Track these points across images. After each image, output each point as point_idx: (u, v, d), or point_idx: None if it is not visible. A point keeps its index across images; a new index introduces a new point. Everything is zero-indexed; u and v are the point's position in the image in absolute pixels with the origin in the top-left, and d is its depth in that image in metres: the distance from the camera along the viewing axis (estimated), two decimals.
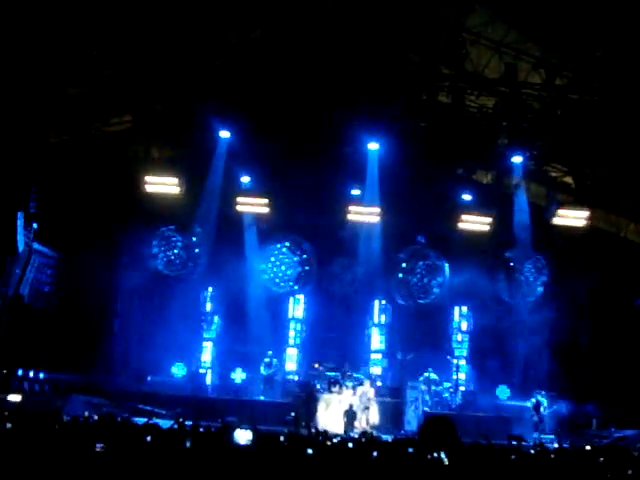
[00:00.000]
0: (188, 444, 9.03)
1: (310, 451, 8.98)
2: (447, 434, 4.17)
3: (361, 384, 23.44)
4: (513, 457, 8.89)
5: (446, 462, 4.16)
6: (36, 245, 22.95)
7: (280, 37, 21.29)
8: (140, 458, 7.37)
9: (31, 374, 22.15)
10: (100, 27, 19.25)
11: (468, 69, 21.60)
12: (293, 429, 17.18)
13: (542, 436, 21.72)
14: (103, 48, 20.34)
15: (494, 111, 22.20)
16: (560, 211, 23.56)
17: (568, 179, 24.89)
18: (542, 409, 23.23)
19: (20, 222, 21.61)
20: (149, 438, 8.62)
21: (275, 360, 24.80)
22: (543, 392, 23.77)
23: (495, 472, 5.84)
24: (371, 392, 23.16)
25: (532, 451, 13.02)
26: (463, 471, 4.32)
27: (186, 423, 13.01)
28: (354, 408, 22.26)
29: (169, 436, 9.67)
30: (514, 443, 13.45)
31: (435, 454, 4.20)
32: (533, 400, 23.49)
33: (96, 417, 14.42)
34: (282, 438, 10.96)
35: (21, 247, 21.95)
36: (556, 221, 23.69)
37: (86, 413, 16.35)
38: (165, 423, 13.16)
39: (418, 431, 4.26)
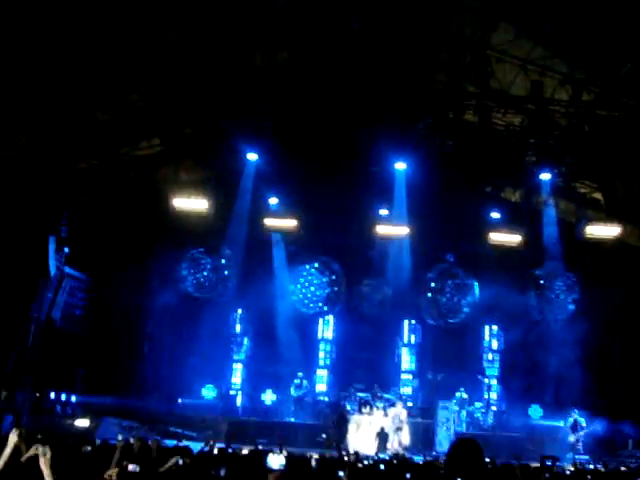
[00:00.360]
0: (223, 472, 9.02)
1: (341, 473, 8.94)
2: (474, 457, 4.11)
3: (393, 405, 23.30)
4: (547, 476, 8.78)
5: None
6: (67, 269, 23.18)
7: (306, 58, 21.45)
8: None
9: (63, 397, 22.33)
10: (128, 52, 19.51)
11: (494, 87, 21.56)
12: (324, 451, 17.11)
13: (577, 457, 21.41)
14: (131, 73, 20.60)
15: (521, 128, 22.14)
16: (590, 227, 23.29)
17: (597, 195, 24.69)
18: (579, 429, 22.89)
19: (52, 246, 21.86)
20: (181, 461, 8.64)
21: (305, 381, 24.77)
22: (577, 411, 23.44)
23: None
24: (404, 414, 22.98)
25: (567, 472, 12.84)
26: None
27: (217, 446, 13.03)
28: (386, 430, 22.13)
29: (201, 459, 9.69)
30: (548, 463, 13.26)
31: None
32: (571, 420, 23.15)
33: (129, 439, 14.47)
34: (313, 462, 10.92)
35: (53, 271, 22.18)
36: (586, 237, 23.43)
37: (119, 437, 16.43)
38: (196, 446, 13.18)
39: (446, 454, 4.21)
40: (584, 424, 23.06)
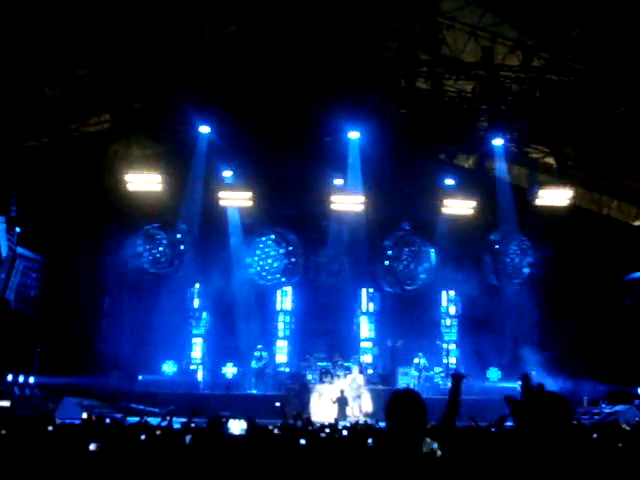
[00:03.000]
0: (188, 439, 9.00)
1: (303, 441, 8.99)
2: (411, 408, 4.06)
3: (350, 372, 23.50)
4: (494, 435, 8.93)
5: (439, 453, 4.11)
6: (20, 249, 22.81)
7: (255, 30, 21.22)
8: (134, 457, 7.36)
9: (21, 379, 22.08)
10: (74, 26, 19.10)
11: (445, 54, 21.61)
12: (282, 421, 17.17)
13: None
14: (78, 48, 20.19)
15: (473, 95, 22.24)
16: (542, 192, 23.64)
17: (549, 160, 24.97)
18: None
19: (2, 227, 21.48)
20: (143, 437, 8.61)
21: (265, 353, 24.82)
22: (533, 372, 23.85)
23: (483, 454, 5.82)
24: (360, 379, 23.20)
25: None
26: (454, 455, 4.28)
27: (176, 420, 13.00)
28: (344, 395, 22.29)
29: (163, 434, 9.67)
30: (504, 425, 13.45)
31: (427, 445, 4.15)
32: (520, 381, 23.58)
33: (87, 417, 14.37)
34: (276, 430, 10.96)
35: (4, 252, 21.81)
36: (539, 202, 23.76)
37: (84, 415, 16.33)
38: (155, 421, 13.15)
39: (385, 407, 4.12)
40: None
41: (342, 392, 22.35)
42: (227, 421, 10.47)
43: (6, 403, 18.90)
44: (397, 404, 4.05)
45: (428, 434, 4.12)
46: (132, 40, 20.20)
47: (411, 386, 23.88)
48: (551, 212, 24.00)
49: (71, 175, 23.72)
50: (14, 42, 18.70)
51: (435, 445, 4.13)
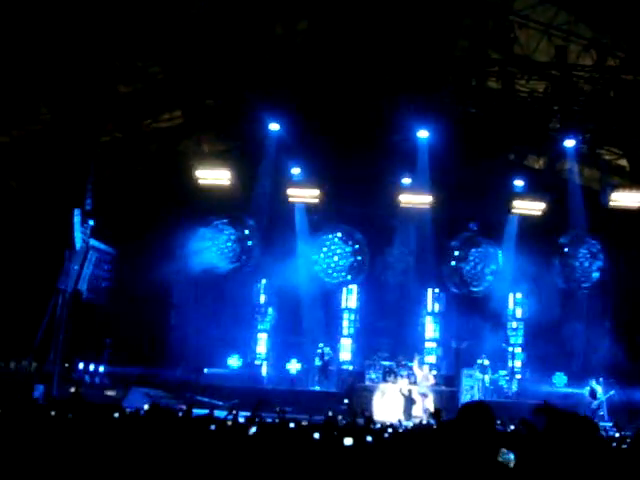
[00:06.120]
0: (252, 430, 9.11)
1: (370, 439, 9.04)
2: (483, 421, 4.10)
3: (422, 369, 23.37)
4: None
5: (512, 465, 4.11)
6: (93, 241, 23.38)
7: (326, 27, 21.32)
8: (203, 448, 7.50)
9: (91, 367, 22.68)
10: (147, 24, 19.50)
11: (517, 53, 21.37)
12: (349, 418, 17.22)
13: (601, 423, 21.41)
14: (151, 45, 20.60)
15: (545, 95, 21.93)
16: (614, 194, 23.14)
17: (622, 162, 24.46)
18: (598, 395, 22.88)
19: (77, 219, 22.03)
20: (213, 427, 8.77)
21: (327, 349, 24.93)
22: (601, 379, 23.41)
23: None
24: (431, 378, 23.08)
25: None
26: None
27: (241, 414, 13.18)
28: (412, 395, 22.23)
29: (231, 426, 9.83)
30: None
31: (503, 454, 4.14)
32: (588, 388, 23.18)
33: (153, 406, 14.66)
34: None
35: (79, 244, 22.38)
36: (611, 204, 23.27)
37: (145, 405, 16.66)
38: (223, 414, 13.35)
39: (456, 418, 4.21)
40: (600, 392, 23.02)
41: (410, 391, 22.29)
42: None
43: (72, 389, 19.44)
44: (468, 410, 4.10)
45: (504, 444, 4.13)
46: (204, 38, 20.51)
47: (475, 388, 23.73)
48: (623, 215, 23.51)
49: (143, 170, 24.24)
50: (89, 39, 19.18)
51: (512, 455, 4.12)
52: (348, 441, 8.29)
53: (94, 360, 23.04)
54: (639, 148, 23.22)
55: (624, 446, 9.74)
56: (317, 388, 24.36)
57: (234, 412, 13.53)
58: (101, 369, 23.08)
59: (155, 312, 24.94)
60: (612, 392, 23.07)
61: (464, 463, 3.94)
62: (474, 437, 4.01)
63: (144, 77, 21.97)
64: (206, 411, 13.79)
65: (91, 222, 22.88)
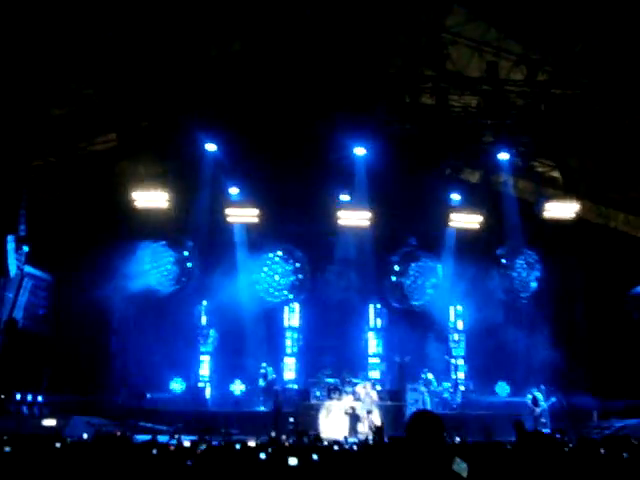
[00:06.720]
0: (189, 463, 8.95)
1: (315, 457, 8.99)
2: (432, 430, 4.14)
3: (363, 385, 23.35)
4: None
5: (465, 475, 4.13)
6: (28, 268, 22.87)
7: (260, 48, 21.34)
8: (145, 473, 7.37)
9: (30, 397, 22.08)
10: (81, 46, 19.26)
11: (450, 69, 21.69)
12: (295, 438, 17.16)
13: (544, 430, 21.71)
14: (85, 67, 20.34)
15: (478, 109, 22.29)
16: (549, 205, 23.66)
17: (555, 173, 25.01)
18: (539, 403, 23.22)
19: (11, 245, 21.56)
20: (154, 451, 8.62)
21: (270, 369, 24.81)
22: (542, 387, 23.77)
23: (496, 468, 5.83)
24: (374, 394, 23.09)
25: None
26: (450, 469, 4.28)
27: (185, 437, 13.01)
28: (357, 412, 22.23)
29: (175, 450, 9.67)
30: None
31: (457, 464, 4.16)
32: (530, 396, 23.52)
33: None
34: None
35: (13, 271, 21.88)
36: (545, 215, 23.76)
37: (85, 435, 16.32)
38: (167, 439, 13.17)
39: (405, 428, 4.25)
40: (542, 398, 23.37)
41: (353, 408, 22.28)
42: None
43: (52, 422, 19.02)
44: (417, 422, 4.12)
45: (457, 453, 4.17)
46: (138, 59, 20.34)
47: (420, 402, 23.85)
48: (558, 226, 24.01)
49: (78, 194, 23.83)
50: (21, 62, 18.85)
51: (464, 465, 4.14)
52: (293, 461, 8.23)
53: (32, 390, 22.43)
54: (571, 159, 23.77)
55: (565, 449, 9.90)
56: (262, 409, 24.16)
57: (177, 436, 13.37)
58: (40, 399, 22.48)
59: (95, 338, 24.46)
60: (553, 399, 23.45)
61: (418, 475, 3.94)
62: (427, 447, 4.02)
63: (78, 99, 21.65)
64: (149, 437, 13.57)
65: (25, 248, 22.39)
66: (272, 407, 23.32)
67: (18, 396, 21.93)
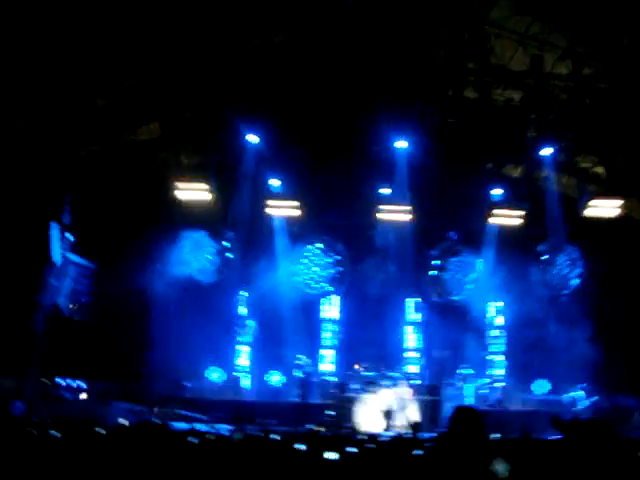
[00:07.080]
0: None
1: (352, 450, 9.00)
2: (475, 426, 4.14)
3: (396, 385, 23.28)
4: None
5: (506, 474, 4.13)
6: (72, 256, 23.21)
7: (303, 39, 21.36)
8: (185, 461, 7.44)
9: (72, 384, 22.45)
10: (125, 37, 19.45)
11: (493, 63, 21.50)
12: (334, 429, 17.21)
13: None
14: (128, 57, 20.54)
15: (521, 104, 22.07)
16: (592, 202, 23.32)
17: (599, 169, 24.64)
18: (578, 403, 22.98)
19: (55, 233, 21.87)
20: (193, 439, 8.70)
21: (308, 360, 24.88)
22: (582, 386, 23.51)
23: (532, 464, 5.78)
24: (407, 393, 22.96)
25: None
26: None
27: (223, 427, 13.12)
28: (392, 408, 22.19)
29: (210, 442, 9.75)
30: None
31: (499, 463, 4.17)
32: (571, 394, 23.28)
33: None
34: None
35: (58, 259, 22.21)
36: (588, 212, 23.44)
37: (124, 420, 16.51)
38: (205, 428, 13.28)
39: (447, 423, 4.26)
40: (581, 399, 23.12)
41: (389, 406, 22.24)
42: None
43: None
44: (460, 417, 4.13)
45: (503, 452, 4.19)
46: (182, 50, 20.48)
47: (457, 397, 23.74)
48: (601, 222, 23.68)
49: (121, 183, 24.10)
50: (65, 52, 19.10)
51: (506, 465, 4.16)
52: (331, 455, 8.25)
53: (75, 376, 22.80)
54: (615, 156, 23.42)
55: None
56: (299, 400, 24.25)
57: (215, 425, 13.48)
58: (82, 385, 22.84)
59: (135, 326, 24.74)
60: (595, 398, 23.18)
61: (459, 472, 3.95)
62: (469, 443, 4.03)
63: (121, 90, 21.88)
64: (187, 425, 13.71)
65: (70, 237, 22.72)
66: (299, 398, 23.46)
67: (61, 382, 22.33)
